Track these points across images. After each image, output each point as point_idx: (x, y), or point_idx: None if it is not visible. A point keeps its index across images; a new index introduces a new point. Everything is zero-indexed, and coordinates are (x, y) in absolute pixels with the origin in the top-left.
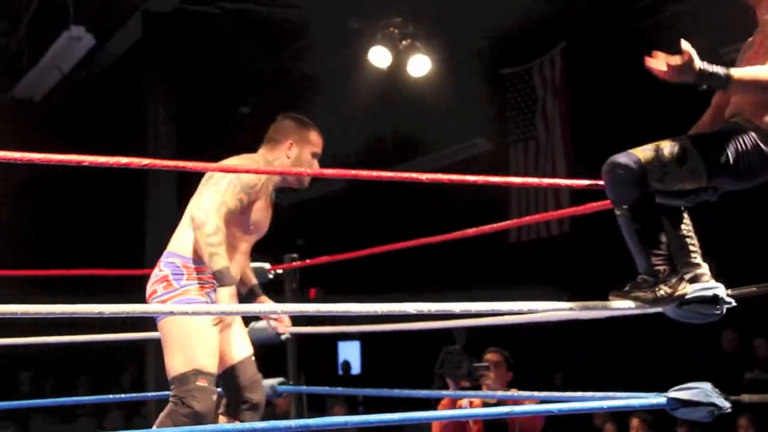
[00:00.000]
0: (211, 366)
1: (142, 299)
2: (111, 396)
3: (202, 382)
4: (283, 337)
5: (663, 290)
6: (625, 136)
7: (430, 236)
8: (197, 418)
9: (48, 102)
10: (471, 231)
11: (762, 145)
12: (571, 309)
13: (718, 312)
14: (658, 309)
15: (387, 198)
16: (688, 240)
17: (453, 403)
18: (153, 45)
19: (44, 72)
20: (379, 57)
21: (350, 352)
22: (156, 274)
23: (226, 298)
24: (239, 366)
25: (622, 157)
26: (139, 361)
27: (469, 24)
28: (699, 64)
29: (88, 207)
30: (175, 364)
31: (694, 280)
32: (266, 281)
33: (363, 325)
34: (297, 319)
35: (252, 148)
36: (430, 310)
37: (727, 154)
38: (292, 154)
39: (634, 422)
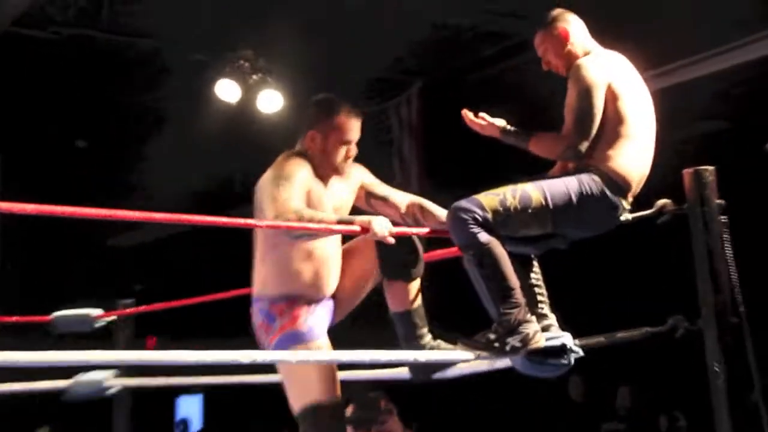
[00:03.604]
0: (335, 390)
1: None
2: None
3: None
4: (109, 391)
5: (513, 341)
6: (481, 179)
7: None
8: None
9: None
10: None
11: (607, 191)
12: (416, 359)
13: (566, 362)
14: (506, 360)
15: (232, 241)
16: (536, 290)
17: None
18: None
19: None
20: (227, 91)
21: (190, 408)
22: (254, 324)
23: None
24: None
25: (465, 203)
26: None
27: (323, 60)
28: (502, 124)
29: None
30: (299, 397)
31: (543, 331)
32: (90, 330)
33: (205, 376)
34: (128, 371)
35: (88, 182)
36: (265, 359)
37: (571, 199)
38: (316, 146)
39: None
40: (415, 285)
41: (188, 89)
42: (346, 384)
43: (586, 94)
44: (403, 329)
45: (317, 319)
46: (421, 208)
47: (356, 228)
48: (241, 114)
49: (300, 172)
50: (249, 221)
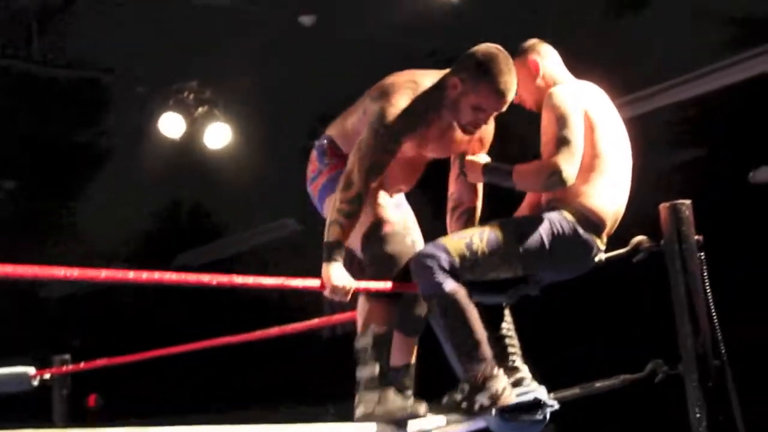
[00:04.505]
0: (392, 215)
1: None
2: None
3: (387, 229)
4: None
5: (482, 399)
6: (440, 208)
7: (231, 335)
8: (394, 261)
9: None
10: (275, 330)
11: (580, 230)
12: None
13: (541, 418)
14: (481, 422)
15: (180, 290)
16: (507, 341)
17: None
18: None
19: None
20: (171, 125)
21: None
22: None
23: None
24: None
25: (430, 248)
26: None
27: (274, 90)
28: (486, 161)
29: None
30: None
31: (514, 385)
32: (29, 389)
33: None
34: None
35: (19, 229)
36: None
37: (542, 240)
38: (453, 94)
39: None
40: (413, 341)
41: (129, 124)
42: None
43: (565, 118)
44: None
45: None
46: (459, 216)
47: (316, 284)
48: (186, 149)
49: (413, 122)
50: (193, 277)
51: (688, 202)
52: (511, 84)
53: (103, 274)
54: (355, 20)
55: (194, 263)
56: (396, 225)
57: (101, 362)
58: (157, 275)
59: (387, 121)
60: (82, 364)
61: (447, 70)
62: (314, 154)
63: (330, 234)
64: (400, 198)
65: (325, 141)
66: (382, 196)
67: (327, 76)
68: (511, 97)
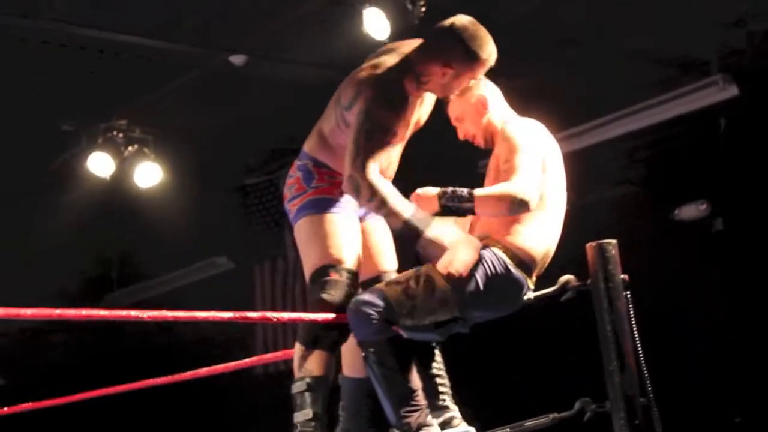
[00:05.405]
0: (348, 259)
1: None
2: None
3: (333, 276)
4: None
5: None
6: None
7: (161, 376)
8: (326, 309)
9: None
10: (203, 371)
11: (511, 268)
12: None
13: None
14: None
15: (108, 331)
16: (437, 380)
17: None
18: None
19: None
20: (100, 165)
21: None
22: (289, 175)
23: None
24: (383, 278)
25: (368, 296)
26: None
27: (205, 129)
28: (435, 192)
29: None
30: (310, 260)
31: (444, 425)
32: None
33: None
34: None
35: None
36: None
37: (476, 281)
38: (442, 81)
39: None
40: None
41: (56, 163)
42: None
43: (525, 149)
44: (351, 400)
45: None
46: None
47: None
48: (116, 189)
49: (403, 111)
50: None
51: (614, 241)
52: (493, 46)
53: (29, 312)
54: (285, 59)
55: (123, 303)
56: (343, 274)
57: (26, 406)
58: (84, 312)
59: (378, 122)
60: (5, 409)
61: (408, 49)
62: (298, 174)
63: (402, 212)
64: None
65: (308, 161)
66: (352, 224)
67: (258, 115)
68: None
